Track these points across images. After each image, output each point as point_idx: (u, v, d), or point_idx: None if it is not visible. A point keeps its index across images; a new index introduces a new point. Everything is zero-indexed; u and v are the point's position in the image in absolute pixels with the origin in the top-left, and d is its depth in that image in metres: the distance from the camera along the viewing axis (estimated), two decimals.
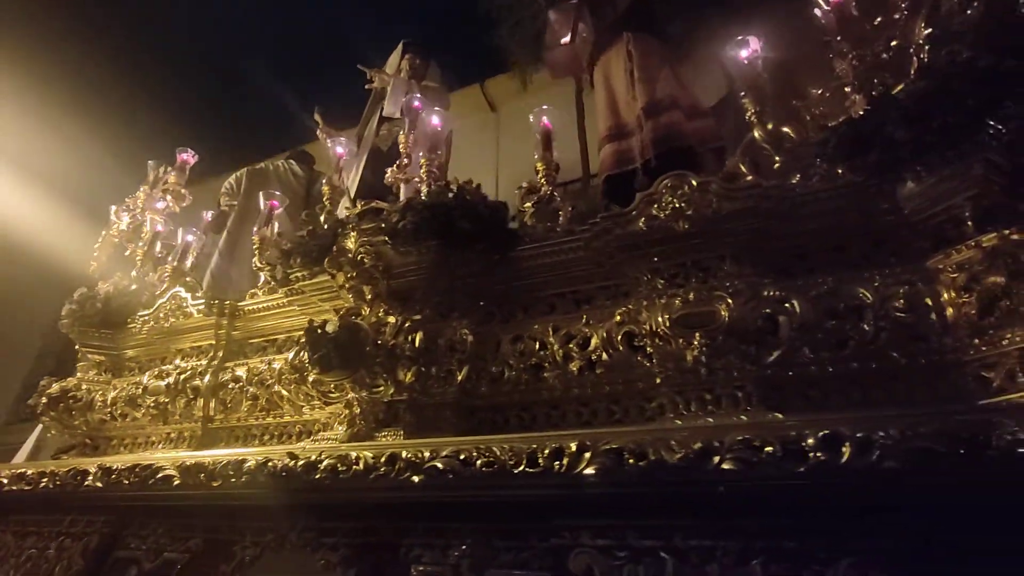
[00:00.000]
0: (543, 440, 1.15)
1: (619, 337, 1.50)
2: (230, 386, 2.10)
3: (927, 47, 1.36)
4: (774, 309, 1.36)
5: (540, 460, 1.13)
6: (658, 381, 1.46)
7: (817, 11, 1.62)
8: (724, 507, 1.00)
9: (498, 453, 1.17)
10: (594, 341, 1.55)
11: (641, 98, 1.92)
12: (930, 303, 1.26)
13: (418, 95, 2.31)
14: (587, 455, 1.09)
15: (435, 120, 2.00)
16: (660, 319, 1.43)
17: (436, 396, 1.68)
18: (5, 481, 1.88)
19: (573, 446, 1.11)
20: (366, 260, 1.76)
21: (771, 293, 1.38)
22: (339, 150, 2.18)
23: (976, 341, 1.21)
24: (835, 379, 1.35)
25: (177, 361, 2.32)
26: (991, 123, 1.22)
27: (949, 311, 1.24)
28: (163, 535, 1.59)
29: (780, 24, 1.94)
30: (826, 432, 0.94)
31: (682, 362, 1.41)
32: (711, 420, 1.35)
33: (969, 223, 1.30)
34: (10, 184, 5.75)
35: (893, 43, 1.49)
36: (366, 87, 2.87)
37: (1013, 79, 1.22)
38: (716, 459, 0.99)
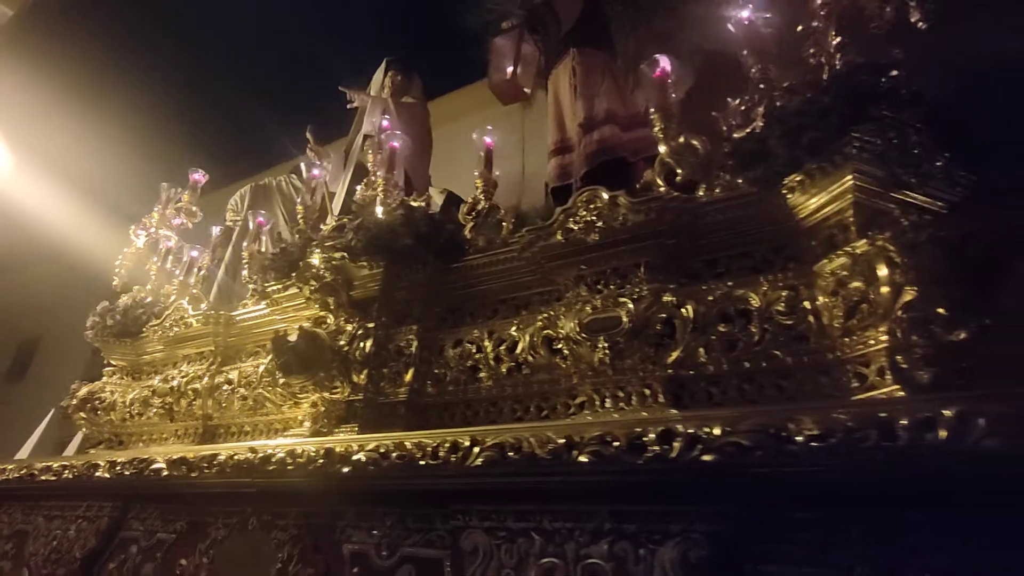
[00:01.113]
0: (444, 436, 1.31)
1: (540, 340, 1.65)
2: (224, 388, 2.36)
3: (809, 65, 1.44)
4: (670, 313, 1.47)
5: (440, 453, 1.29)
6: (575, 381, 1.60)
7: (729, 26, 1.70)
8: (583, 494, 1.14)
9: (408, 447, 1.34)
10: (520, 344, 1.70)
11: (579, 113, 2.04)
12: (808, 306, 1.35)
13: (386, 117, 2.49)
14: (476, 449, 1.25)
15: (394, 142, 2.17)
16: (572, 324, 1.57)
17: (389, 396, 1.87)
18: (37, 472, 2.19)
19: (467, 441, 1.27)
20: (327, 275, 1.96)
21: (669, 299, 1.49)
22: (315, 172, 2.39)
23: (846, 340, 1.29)
24: (731, 377, 1.46)
25: (183, 366, 2.60)
26: (858, 136, 1.29)
27: (824, 314, 1.33)
28: (156, 518, 1.84)
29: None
30: (663, 428, 1.06)
31: (592, 364, 1.54)
32: (616, 416, 1.49)
33: (852, 230, 1.38)
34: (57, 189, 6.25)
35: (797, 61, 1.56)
36: (347, 107, 3.08)
37: (873, 95, 1.29)
38: (575, 453, 1.13)
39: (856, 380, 1.29)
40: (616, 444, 1.10)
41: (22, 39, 5.66)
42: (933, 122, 1.40)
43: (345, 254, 1.93)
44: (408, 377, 1.83)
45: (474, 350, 1.78)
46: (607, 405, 1.55)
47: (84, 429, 2.84)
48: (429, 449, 1.32)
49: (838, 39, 1.60)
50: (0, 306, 7.78)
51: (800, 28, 1.70)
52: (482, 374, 1.77)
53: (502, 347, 1.74)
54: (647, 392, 1.51)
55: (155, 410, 2.52)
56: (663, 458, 1.05)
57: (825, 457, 0.93)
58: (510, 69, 2.18)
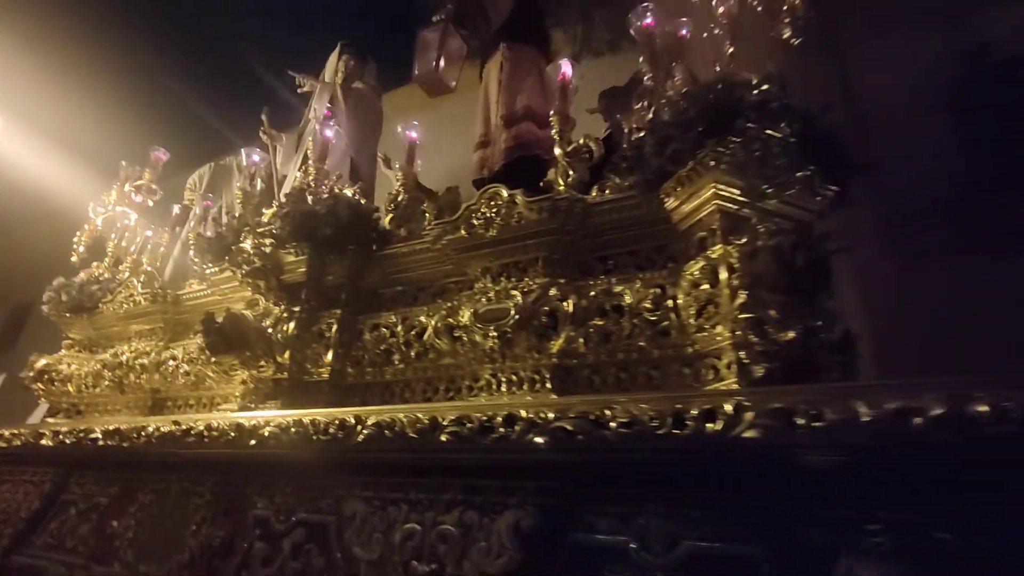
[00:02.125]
0: (335, 415, 1.45)
1: (443, 328, 1.77)
2: (169, 364, 2.48)
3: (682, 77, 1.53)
4: (553, 307, 1.59)
5: (330, 430, 1.43)
6: (474, 367, 1.73)
7: (632, 31, 1.78)
8: (442, 470, 1.28)
9: (305, 423, 1.48)
10: (427, 331, 1.82)
11: (501, 108, 2.13)
12: (670, 304, 1.47)
13: (328, 105, 2.56)
14: (359, 427, 1.38)
15: (327, 132, 2.25)
16: (469, 313, 1.69)
17: (312, 375, 2.00)
18: None
19: (352, 420, 1.41)
20: (256, 260, 2.06)
21: (554, 293, 1.61)
22: (254, 158, 2.47)
23: (699, 336, 1.42)
24: (609, 366, 1.59)
25: (135, 342, 2.72)
26: (718, 148, 1.40)
27: (683, 312, 1.45)
28: (94, 483, 1.98)
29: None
30: (507, 413, 1.20)
31: (485, 351, 1.67)
32: (506, 399, 1.63)
33: (718, 235, 1.49)
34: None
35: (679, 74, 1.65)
36: (298, 91, 3.13)
37: (735, 109, 1.39)
38: (437, 433, 1.27)
39: (711, 372, 1.42)
40: (470, 426, 1.23)
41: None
42: (803, 135, 1.51)
43: (273, 241, 2.03)
44: (328, 359, 1.95)
45: (388, 335, 1.91)
46: (503, 389, 1.69)
47: (42, 400, 2.96)
48: (321, 426, 1.45)
49: (731, 50, 1.70)
50: None
51: (705, 35, 1.80)
52: (395, 357, 1.90)
53: (412, 332, 1.86)
54: (536, 378, 1.64)
55: (106, 383, 2.64)
56: (506, 439, 1.19)
57: (631, 442, 1.06)
58: (435, 62, 2.24)
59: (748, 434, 0.96)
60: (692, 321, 1.42)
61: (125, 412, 2.64)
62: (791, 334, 1.29)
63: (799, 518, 0.95)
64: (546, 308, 1.59)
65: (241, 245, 2.12)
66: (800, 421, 0.94)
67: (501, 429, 1.20)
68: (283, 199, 2.24)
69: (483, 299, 1.70)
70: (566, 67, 1.76)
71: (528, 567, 1.12)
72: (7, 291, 7.91)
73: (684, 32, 1.84)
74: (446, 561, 1.19)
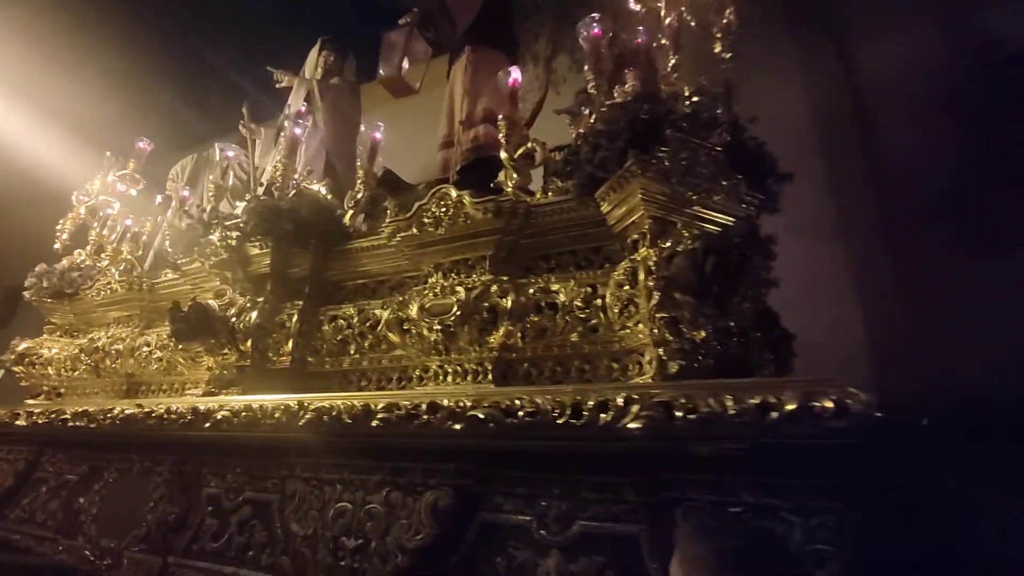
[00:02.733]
0: (283, 401, 1.54)
1: (393, 320, 1.86)
2: (143, 350, 2.57)
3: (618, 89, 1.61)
4: (493, 303, 1.68)
5: (276, 415, 1.52)
6: (422, 358, 1.83)
7: (581, 40, 1.86)
8: (373, 453, 1.38)
9: (254, 408, 1.57)
10: (380, 323, 1.91)
11: (462, 111, 2.20)
12: (599, 303, 1.56)
13: (303, 104, 2.63)
14: (301, 412, 1.48)
15: (296, 130, 2.33)
16: (416, 307, 1.78)
17: (274, 364, 2.09)
18: None
19: (296, 406, 1.50)
20: (223, 252, 2.15)
21: (495, 290, 1.70)
22: (227, 153, 2.54)
23: (624, 333, 1.51)
24: (546, 360, 1.68)
25: (112, 328, 2.81)
26: (643, 156, 1.48)
27: (610, 310, 1.54)
28: (64, 461, 2.08)
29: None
30: (430, 401, 1.29)
31: (431, 343, 1.76)
32: (450, 389, 1.72)
33: (648, 237, 1.58)
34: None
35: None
36: (276, 86, 3.20)
37: (661, 119, 1.47)
38: (369, 419, 1.36)
39: (636, 367, 1.52)
40: (398, 413, 1.33)
41: None
42: (731, 145, 1.59)
43: (238, 234, 2.12)
44: (288, 348, 2.04)
45: (345, 326, 2.00)
46: (449, 380, 1.78)
47: (24, 382, 3.06)
48: (268, 410, 1.55)
49: (673, 61, 1.78)
50: None
51: (655, 44, 1.87)
52: (351, 348, 1.99)
53: (367, 324, 1.95)
54: (479, 369, 1.73)
55: (85, 367, 2.73)
56: (429, 425, 1.28)
57: (535, 429, 1.16)
58: (399, 64, 2.32)
59: (633, 424, 1.06)
60: (617, 319, 1.51)
61: (102, 395, 2.74)
62: (703, 333, 1.38)
63: (676, 501, 1.04)
64: (486, 304, 1.68)
65: (210, 237, 2.21)
66: (678, 413, 1.03)
67: (425, 416, 1.29)
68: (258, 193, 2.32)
69: (430, 294, 1.79)
70: (515, 73, 1.84)
71: (442, 542, 1.22)
72: (2, 272, 7.99)
73: (640, 40, 1.92)
74: (371, 536, 1.29)
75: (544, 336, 1.65)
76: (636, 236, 1.60)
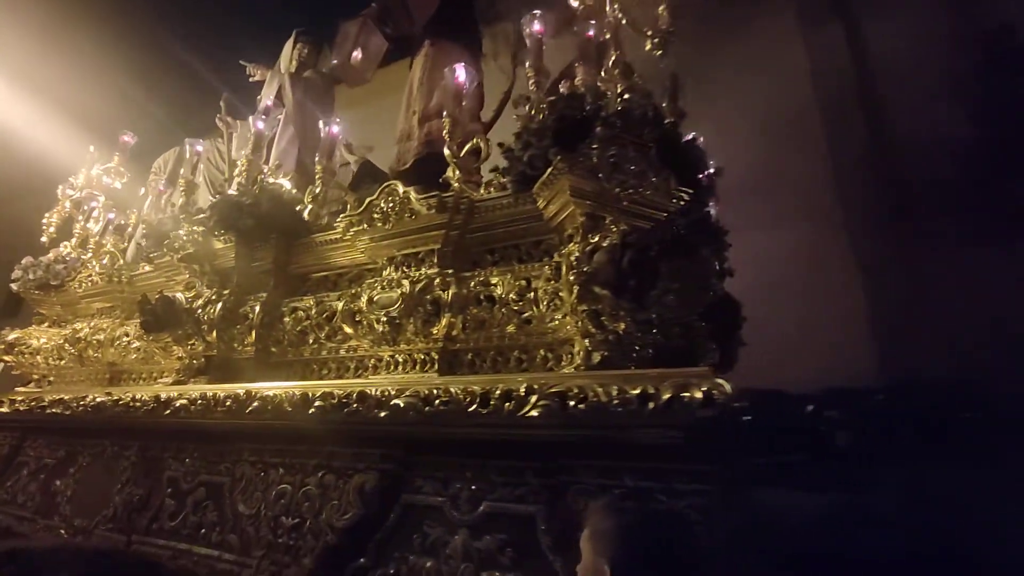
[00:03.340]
0: (233, 389, 1.64)
1: (347, 312, 1.94)
2: (123, 340, 2.68)
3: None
4: (435, 296, 1.75)
5: (227, 403, 1.62)
6: (370, 348, 1.91)
7: (525, 37, 1.90)
8: (312, 438, 1.47)
9: (208, 396, 1.67)
10: (336, 314, 1.99)
11: (418, 105, 2.25)
12: (532, 296, 1.63)
13: (270, 99, 2.69)
14: (248, 400, 1.57)
15: (259, 125, 2.39)
16: (364, 299, 1.85)
17: (239, 353, 2.18)
18: None
19: (243, 393, 1.59)
20: (188, 246, 2.23)
21: (438, 282, 1.77)
22: (198, 148, 2.61)
23: (553, 325, 1.58)
24: (488, 350, 1.75)
25: (96, 318, 2.92)
26: (571, 155, 1.53)
27: (541, 302, 1.61)
28: (44, 446, 2.20)
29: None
30: (360, 391, 1.37)
31: (379, 334, 1.84)
32: (398, 377, 1.80)
33: (580, 232, 1.63)
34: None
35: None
36: (249, 80, 3.25)
37: (587, 118, 1.52)
38: (307, 406, 1.45)
39: (567, 357, 1.59)
40: (332, 401, 1.41)
41: None
42: (661, 142, 1.64)
43: (202, 229, 2.20)
44: (251, 338, 2.13)
45: (304, 317, 2.08)
46: (399, 369, 1.86)
47: (15, 371, 3.18)
48: (220, 399, 1.64)
49: (614, 57, 1.82)
50: None
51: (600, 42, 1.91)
52: (310, 338, 2.07)
53: (324, 316, 2.03)
54: (426, 359, 1.81)
55: (69, 357, 2.85)
56: (358, 412, 1.36)
57: (448, 417, 1.24)
58: (351, 55, 2.35)
59: (532, 413, 1.13)
60: (547, 312, 1.58)
61: (86, 383, 2.85)
62: (623, 325, 1.45)
63: (569, 484, 1.12)
64: (429, 296, 1.75)
65: (178, 232, 2.29)
66: (571, 403, 1.10)
67: (355, 404, 1.37)
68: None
69: (379, 287, 1.86)
70: (460, 72, 1.88)
71: (367, 521, 1.31)
72: (9, 260, 8.13)
73: (591, 33, 1.95)
74: (307, 516, 1.39)
75: (484, 327, 1.72)
76: (571, 231, 1.66)
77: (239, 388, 1.62)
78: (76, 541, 1.65)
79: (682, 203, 1.67)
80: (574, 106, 1.54)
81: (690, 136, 1.74)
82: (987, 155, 2.84)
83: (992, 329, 2.52)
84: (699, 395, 0.98)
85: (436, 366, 1.78)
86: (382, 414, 1.32)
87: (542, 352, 1.66)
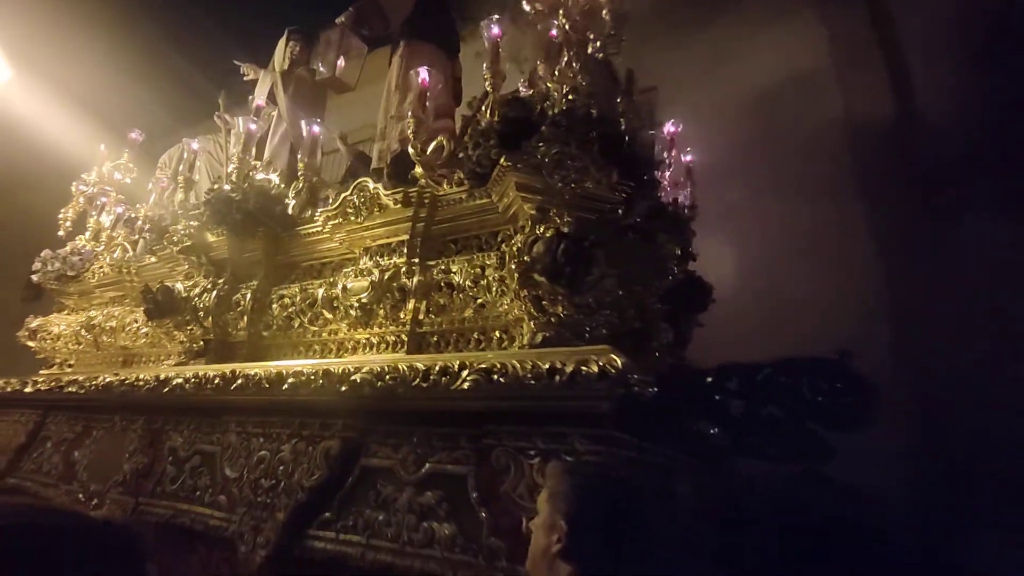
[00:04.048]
0: (220, 368, 1.83)
1: (326, 298, 2.12)
2: (132, 326, 2.91)
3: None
4: (401, 284, 1.92)
5: (216, 380, 1.82)
6: (348, 331, 2.09)
7: (484, 39, 2.02)
8: (286, 411, 1.66)
9: (200, 375, 1.87)
10: (317, 302, 2.17)
11: (394, 105, 2.40)
12: (484, 283, 1.79)
13: (262, 97, 2.85)
14: (233, 378, 1.76)
15: (250, 125, 2.56)
16: (340, 287, 2.03)
17: (233, 337, 2.38)
18: None
19: (229, 372, 1.78)
20: (185, 239, 2.43)
21: (404, 270, 1.94)
22: (193, 145, 2.80)
23: (502, 309, 1.74)
24: (449, 333, 1.92)
25: (110, 307, 3.16)
26: (516, 153, 1.67)
27: (493, 288, 1.76)
28: (64, 422, 2.45)
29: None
30: (325, 368, 1.55)
31: (353, 319, 2.02)
32: (373, 357, 1.98)
33: (530, 224, 1.78)
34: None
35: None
36: (243, 79, 3.41)
37: (530, 118, 1.66)
38: (282, 382, 1.63)
39: (519, 338, 1.75)
40: (302, 378, 1.60)
41: None
42: (604, 139, 1.77)
43: (197, 223, 2.39)
44: (243, 324, 2.33)
45: (290, 304, 2.27)
46: (373, 350, 2.04)
47: (40, 355, 3.46)
48: (210, 377, 1.84)
49: (565, 59, 1.94)
50: (12, 226, 8.25)
51: (554, 39, 2.03)
52: (296, 323, 2.27)
53: (306, 302, 2.22)
54: (398, 341, 1.99)
55: (85, 343, 3.10)
56: (320, 389, 1.55)
57: (396, 390, 1.41)
58: (335, 63, 2.49)
59: (463, 386, 1.30)
60: (496, 297, 1.74)
61: (102, 366, 3.10)
62: (560, 309, 1.60)
63: (493, 447, 1.29)
64: (395, 284, 1.92)
65: (175, 226, 2.49)
66: (495, 376, 1.27)
67: (320, 381, 1.56)
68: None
69: (353, 275, 2.03)
70: (424, 74, 2.02)
71: (332, 482, 1.50)
72: (30, 247, 8.43)
73: (553, 32, 2.07)
74: (281, 478, 1.58)
75: (446, 312, 1.89)
76: (523, 222, 1.81)
77: (226, 368, 1.82)
78: (82, 514, 1.88)
79: (623, 195, 1.80)
80: (517, 108, 1.68)
81: (650, 131, 1.86)
82: (1013, 123, 2.78)
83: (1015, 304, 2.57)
84: (595, 369, 1.14)
85: (406, 348, 1.96)
86: (343, 388, 1.50)
87: (497, 334, 1.83)
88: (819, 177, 3.69)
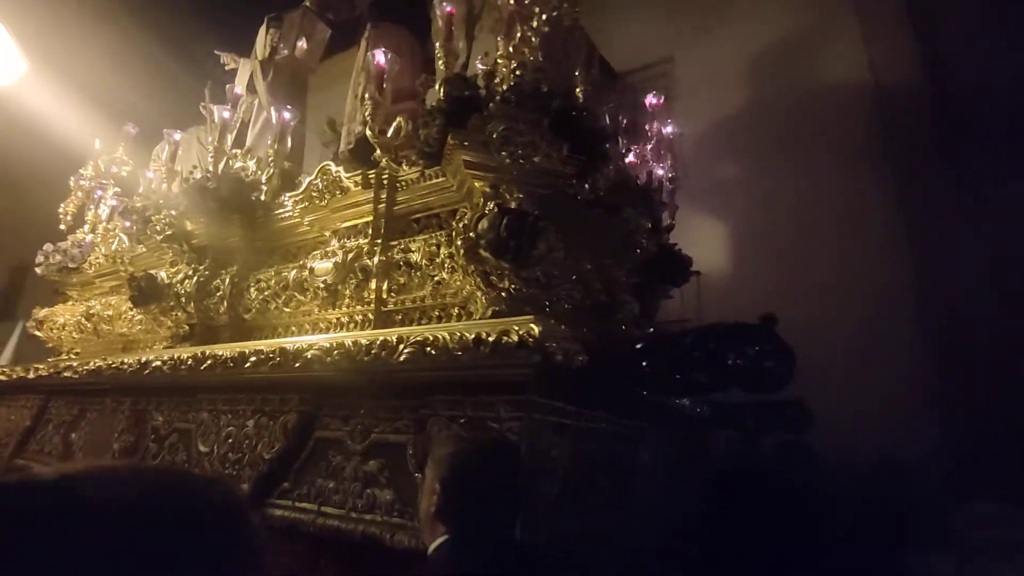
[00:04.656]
0: (192, 350, 1.91)
1: (296, 280, 2.18)
2: (127, 314, 3.02)
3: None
4: (362, 264, 1.97)
5: (189, 362, 1.90)
6: (319, 312, 2.15)
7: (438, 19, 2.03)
8: (247, 389, 1.73)
9: (174, 358, 1.96)
10: (289, 285, 2.24)
11: (358, 88, 2.42)
12: (438, 260, 1.82)
13: (240, 86, 2.90)
14: (204, 359, 1.84)
15: (224, 113, 2.62)
16: (308, 270, 2.09)
17: (217, 321, 2.47)
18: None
19: (200, 354, 1.87)
20: (166, 229, 2.51)
21: (362, 252, 1.98)
22: (175, 137, 2.87)
23: (455, 285, 1.78)
24: (412, 311, 1.96)
25: (110, 296, 3.28)
26: (462, 131, 1.69)
27: (445, 265, 1.80)
28: (63, 406, 2.58)
29: None
30: (281, 347, 1.62)
31: (321, 299, 2.08)
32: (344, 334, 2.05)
33: (483, 201, 1.80)
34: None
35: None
36: (226, 69, 3.46)
37: (476, 97, 1.67)
38: (244, 361, 1.71)
39: (475, 313, 1.79)
40: (262, 356, 1.67)
41: None
42: (556, 114, 1.77)
43: (175, 212, 2.47)
44: (223, 308, 2.41)
45: (265, 287, 2.34)
46: (343, 330, 2.10)
47: (48, 344, 3.62)
48: (184, 359, 1.93)
49: (519, 35, 1.94)
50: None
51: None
52: (272, 305, 2.34)
53: (280, 285, 2.28)
54: (364, 320, 2.05)
55: (86, 332, 3.23)
56: (278, 365, 1.61)
57: (341, 364, 1.47)
58: (295, 46, 2.52)
59: (400, 358, 1.35)
60: (450, 274, 1.78)
61: (104, 353, 3.24)
62: (506, 283, 1.63)
63: (429, 416, 1.34)
64: (358, 264, 1.97)
65: (157, 216, 2.57)
66: (427, 349, 1.31)
67: (277, 359, 1.62)
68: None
69: (319, 257, 2.09)
70: (379, 56, 2.04)
71: (289, 453, 1.57)
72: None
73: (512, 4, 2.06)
74: (246, 451, 1.67)
75: (406, 290, 1.93)
76: (476, 199, 1.84)
77: (197, 350, 1.90)
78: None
79: (579, 170, 1.81)
80: (459, 86, 1.69)
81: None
82: None
83: None
84: (515, 338, 1.17)
85: (372, 326, 2.01)
86: (296, 365, 1.56)
87: (456, 310, 1.87)
88: (843, 143, 3.61)
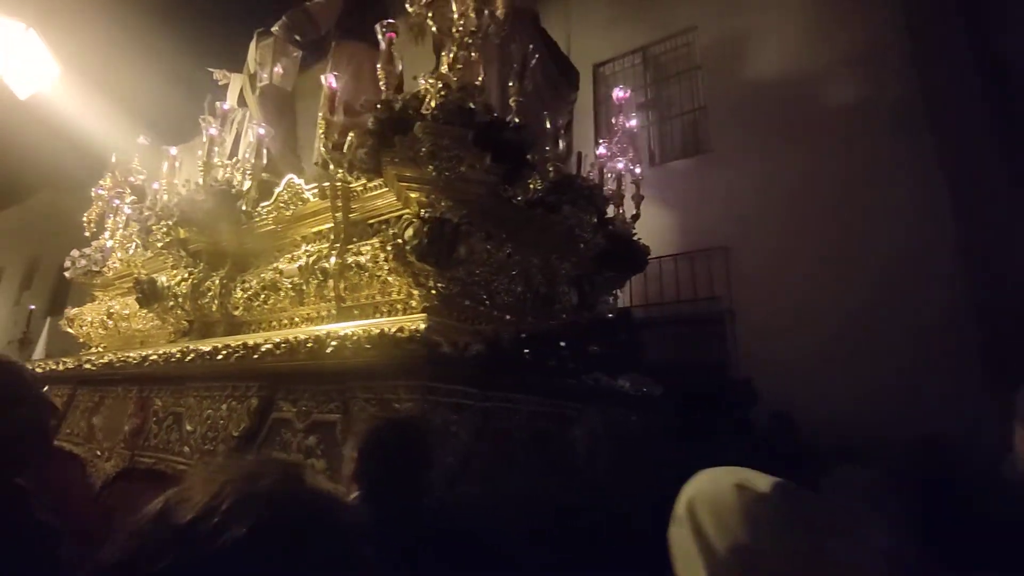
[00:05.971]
0: (184, 345, 2.22)
1: (272, 281, 2.46)
2: (141, 312, 3.39)
3: None
4: (322, 266, 2.23)
5: (179, 355, 2.21)
6: (295, 309, 2.44)
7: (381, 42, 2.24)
8: (221, 376, 2.03)
9: (168, 352, 2.27)
10: (266, 285, 2.53)
11: (326, 102, 2.66)
12: (381, 263, 2.07)
13: (227, 103, 3.18)
14: (189, 354, 2.15)
15: (211, 130, 2.90)
16: (281, 269, 2.37)
17: (210, 317, 2.79)
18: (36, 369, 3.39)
19: (186, 349, 2.18)
20: (165, 237, 2.83)
21: (322, 255, 2.24)
22: (172, 151, 3.18)
23: (395, 286, 2.02)
24: (367, 308, 2.22)
25: (126, 297, 3.66)
26: (390, 149, 1.91)
27: (385, 266, 2.04)
28: (86, 395, 2.96)
29: None
30: (243, 341, 1.90)
31: (298, 296, 2.36)
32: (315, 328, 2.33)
33: (419, 210, 2.03)
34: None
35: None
36: (219, 84, 3.75)
37: (409, 115, 1.89)
38: (217, 353, 2.00)
39: (415, 307, 2.04)
40: (232, 348, 1.96)
41: None
42: (479, 130, 1.98)
43: (170, 222, 2.78)
44: (215, 307, 2.72)
45: (249, 288, 2.64)
46: (319, 323, 2.38)
47: (79, 340, 4.05)
48: (175, 353, 2.24)
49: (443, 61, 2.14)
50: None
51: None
52: (255, 304, 2.64)
53: (260, 285, 2.57)
54: (327, 316, 2.32)
55: (109, 329, 3.63)
56: (242, 357, 1.90)
57: (283, 355, 1.74)
58: (271, 71, 2.76)
59: (328, 351, 1.61)
60: (388, 275, 2.02)
61: (124, 348, 3.63)
62: (431, 283, 1.87)
63: (354, 397, 1.60)
64: (318, 266, 2.24)
65: (156, 225, 2.89)
66: (347, 343, 1.57)
67: (241, 352, 1.91)
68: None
69: (288, 260, 2.37)
70: (330, 79, 2.27)
71: (251, 431, 1.86)
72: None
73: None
74: (220, 431, 1.97)
75: (359, 289, 2.19)
76: (415, 207, 2.07)
77: (185, 345, 2.21)
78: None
79: (494, 176, 2.01)
80: (386, 110, 1.91)
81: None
82: None
83: None
84: (407, 334, 1.41)
85: (335, 320, 2.28)
86: (255, 357, 1.84)
87: (400, 307, 2.12)
88: (878, 114, 3.63)
